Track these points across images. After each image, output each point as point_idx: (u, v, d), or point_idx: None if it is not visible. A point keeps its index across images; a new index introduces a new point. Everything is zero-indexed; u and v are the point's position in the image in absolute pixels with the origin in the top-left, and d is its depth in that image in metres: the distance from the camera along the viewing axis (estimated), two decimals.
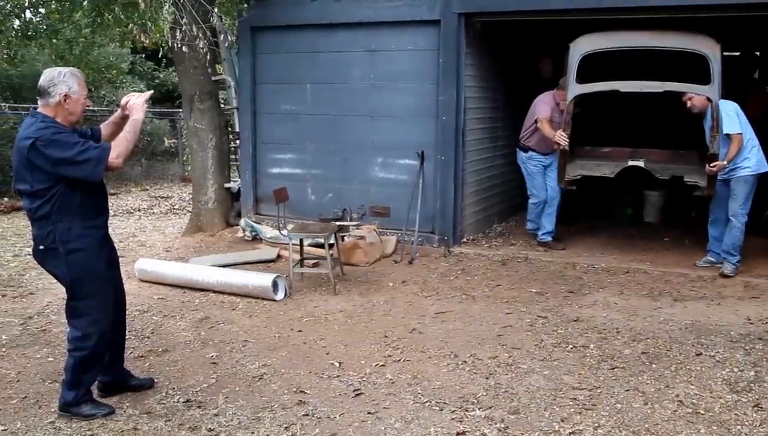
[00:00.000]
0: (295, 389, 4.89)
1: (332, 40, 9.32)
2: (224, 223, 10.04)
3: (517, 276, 7.79)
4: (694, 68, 7.79)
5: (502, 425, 4.34)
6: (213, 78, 9.93)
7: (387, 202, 9.16)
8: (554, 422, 4.40)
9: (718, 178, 7.60)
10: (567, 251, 8.81)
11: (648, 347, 5.66)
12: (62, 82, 4.27)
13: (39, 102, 4.33)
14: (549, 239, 8.95)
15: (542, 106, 8.65)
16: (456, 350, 5.59)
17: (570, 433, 4.26)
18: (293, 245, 7.54)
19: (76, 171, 4.22)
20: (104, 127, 4.68)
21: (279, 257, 8.56)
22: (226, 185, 10.16)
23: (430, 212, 8.95)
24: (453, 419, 4.44)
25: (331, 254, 7.35)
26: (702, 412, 4.52)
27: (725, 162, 7.38)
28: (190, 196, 11.29)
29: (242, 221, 9.70)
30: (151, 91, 4.85)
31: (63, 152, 4.16)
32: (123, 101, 4.57)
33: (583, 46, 8.05)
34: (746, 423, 4.36)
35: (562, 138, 8.06)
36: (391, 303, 6.90)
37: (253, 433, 4.26)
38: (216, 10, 8.57)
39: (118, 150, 4.30)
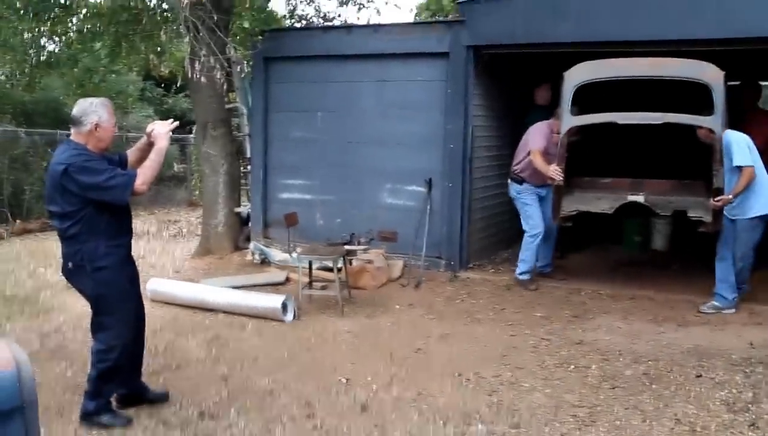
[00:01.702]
0: (304, 404, 5.03)
1: (343, 71, 9.58)
2: (233, 246, 10.24)
3: (522, 301, 7.93)
4: (696, 97, 7.47)
5: None
6: (226, 106, 10.18)
7: (395, 227, 9.31)
8: None
9: (726, 216, 7.23)
10: (573, 277, 8.85)
11: (649, 368, 5.78)
12: (93, 112, 4.53)
13: (72, 130, 4.60)
14: (527, 277, 8.49)
15: (536, 137, 8.28)
16: (460, 369, 5.73)
17: None
18: (302, 267, 7.71)
19: (104, 196, 4.48)
20: (131, 154, 4.94)
21: (288, 279, 8.71)
22: (236, 209, 10.38)
23: (437, 238, 9.10)
24: (456, 433, 4.58)
25: (340, 277, 7.52)
26: (698, 430, 4.63)
27: (731, 196, 7.01)
28: (198, 220, 11.47)
29: (251, 244, 9.88)
30: (177, 123, 5.08)
31: (93, 178, 4.42)
32: (148, 129, 4.82)
33: (577, 75, 7.58)
34: None
35: (556, 173, 7.63)
36: (397, 325, 7.06)
37: None
38: (231, 41, 8.83)
39: (143, 177, 4.55)
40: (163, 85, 19.95)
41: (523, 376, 5.61)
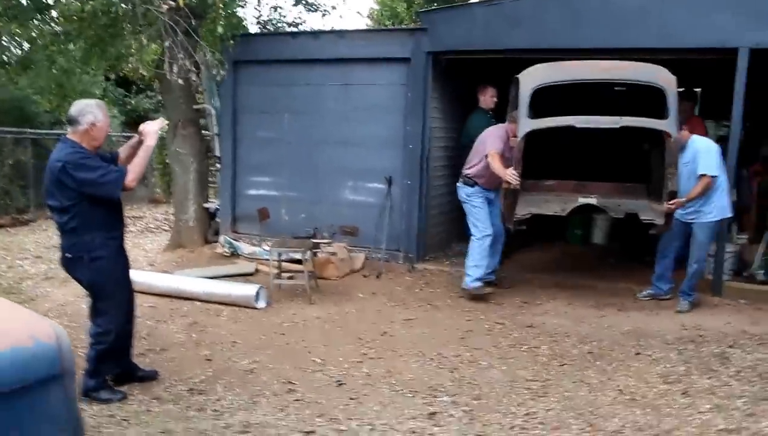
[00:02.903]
0: (284, 381, 5.53)
1: (309, 74, 10.04)
2: (203, 240, 10.65)
3: None
4: (649, 100, 7.48)
5: (467, 408, 5.03)
6: (195, 106, 10.57)
7: (356, 222, 9.74)
8: (511, 406, 5.09)
9: (680, 219, 7.50)
10: (521, 267, 9.39)
11: (593, 347, 6.40)
12: (90, 112, 4.94)
13: (69, 129, 5.00)
14: (479, 284, 8.14)
15: (494, 140, 7.98)
16: (423, 350, 6.29)
17: (525, 414, 4.94)
18: (272, 259, 8.18)
19: (98, 191, 4.90)
20: (122, 151, 5.38)
21: (257, 271, 9.16)
22: (205, 205, 10.78)
23: (396, 232, 9.63)
24: (424, 403, 5.12)
25: (307, 268, 8.02)
26: (638, 399, 5.21)
27: (684, 199, 7.24)
28: (163, 216, 11.76)
29: (221, 238, 10.30)
30: (167, 122, 5.51)
31: (88, 175, 4.83)
32: (140, 128, 5.25)
33: (533, 79, 7.48)
34: (674, 406, 5.05)
35: (513, 177, 7.41)
36: (363, 311, 7.59)
37: (252, 413, 4.89)
38: (204, 44, 9.22)
39: (133, 173, 4.98)
40: (116, 82, 20.03)
41: (480, 355, 6.18)
